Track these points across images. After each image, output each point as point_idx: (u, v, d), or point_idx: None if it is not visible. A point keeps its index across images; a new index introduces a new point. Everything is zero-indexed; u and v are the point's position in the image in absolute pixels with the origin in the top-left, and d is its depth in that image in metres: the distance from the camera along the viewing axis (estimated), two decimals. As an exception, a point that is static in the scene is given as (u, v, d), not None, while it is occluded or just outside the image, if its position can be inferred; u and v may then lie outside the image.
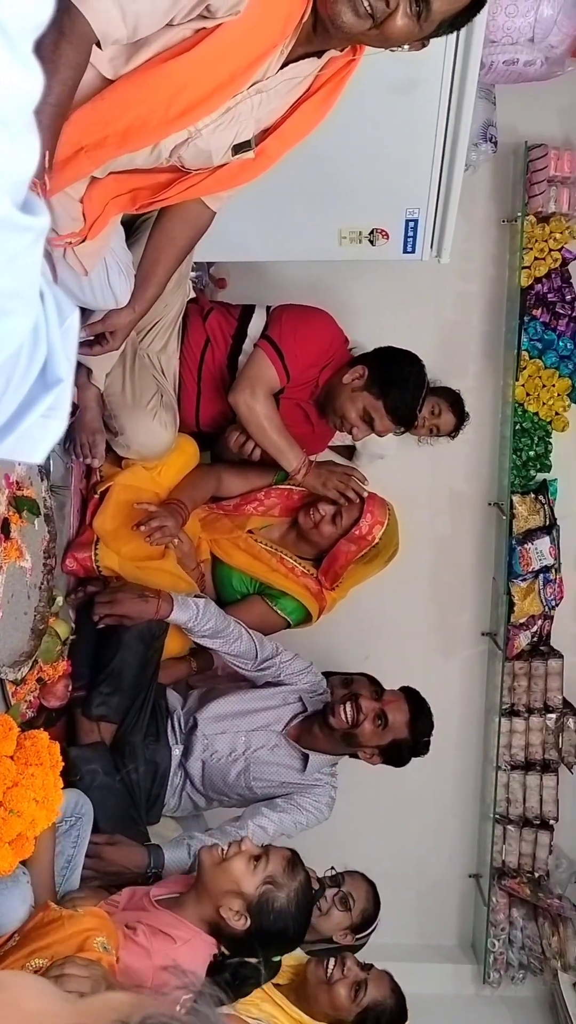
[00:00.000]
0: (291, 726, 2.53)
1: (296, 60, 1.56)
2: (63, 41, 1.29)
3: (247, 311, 2.67)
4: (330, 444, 3.06)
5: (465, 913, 3.61)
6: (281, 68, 1.55)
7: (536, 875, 3.37)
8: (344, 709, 2.40)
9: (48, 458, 2.14)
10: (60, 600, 2.25)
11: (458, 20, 1.50)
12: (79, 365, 2.36)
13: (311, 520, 2.70)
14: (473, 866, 3.55)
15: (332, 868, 2.57)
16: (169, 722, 2.48)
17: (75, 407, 2.40)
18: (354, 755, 2.52)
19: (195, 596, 2.44)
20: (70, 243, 1.76)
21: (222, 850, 1.87)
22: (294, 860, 1.90)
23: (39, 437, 0.87)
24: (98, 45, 1.37)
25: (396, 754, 2.49)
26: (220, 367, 2.63)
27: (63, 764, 1.68)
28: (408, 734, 2.45)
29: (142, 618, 2.31)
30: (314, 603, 2.78)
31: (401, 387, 2.58)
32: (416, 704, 2.49)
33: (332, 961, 2.15)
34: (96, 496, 2.51)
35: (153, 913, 1.87)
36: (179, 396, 2.63)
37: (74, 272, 1.85)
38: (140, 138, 1.56)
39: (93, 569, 2.42)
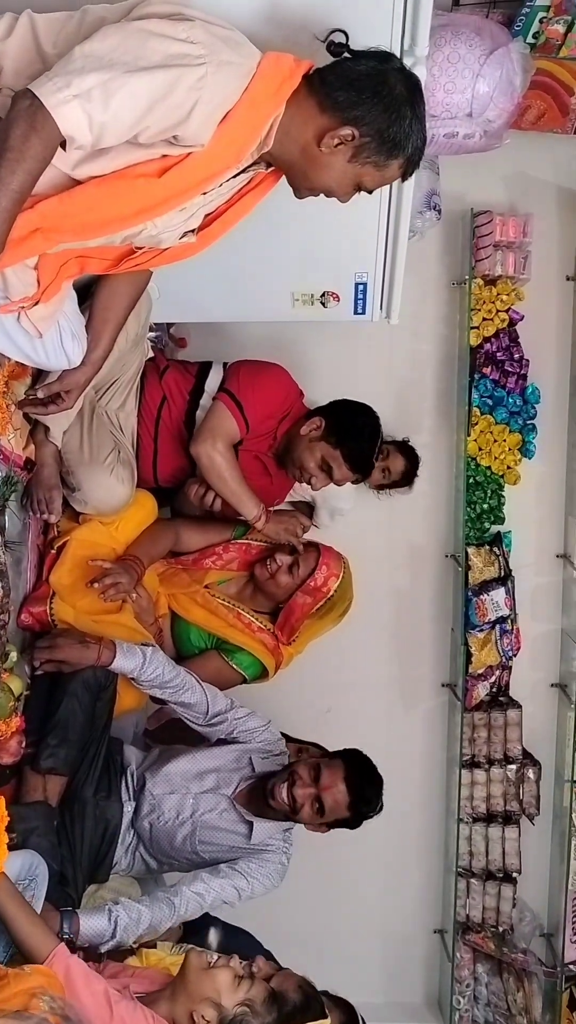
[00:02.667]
0: (240, 791, 2.47)
1: (245, 170, 1.72)
2: (33, 135, 1.43)
3: (204, 368, 2.74)
4: (290, 500, 3.11)
5: (431, 970, 3.58)
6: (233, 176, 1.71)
7: (500, 929, 3.36)
8: (281, 793, 2.35)
9: (3, 514, 2.17)
10: (14, 655, 2.25)
11: None
12: (36, 423, 2.42)
13: (267, 571, 2.74)
14: (438, 921, 3.53)
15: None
16: (123, 778, 2.43)
17: (32, 463, 2.44)
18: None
19: (143, 644, 2.44)
20: (23, 307, 1.83)
21: (211, 957, 1.87)
22: (276, 996, 1.86)
23: None
24: (63, 146, 1.49)
25: (344, 825, 2.43)
26: (177, 423, 2.69)
27: (7, 820, 1.68)
28: (349, 814, 2.39)
29: (81, 664, 2.28)
30: (270, 658, 2.80)
31: (358, 436, 2.65)
32: (357, 780, 2.39)
33: None
34: (53, 551, 2.53)
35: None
36: (137, 452, 2.68)
37: (28, 335, 1.91)
38: (96, 232, 1.69)
39: (48, 623, 2.43)
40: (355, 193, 1.74)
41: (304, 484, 2.77)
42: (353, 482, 2.78)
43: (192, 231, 1.79)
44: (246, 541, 2.83)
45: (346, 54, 1.64)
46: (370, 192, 1.75)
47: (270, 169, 1.77)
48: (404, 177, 1.75)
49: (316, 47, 1.67)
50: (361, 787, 2.40)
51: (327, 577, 2.72)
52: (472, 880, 3.36)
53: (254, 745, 2.54)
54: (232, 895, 2.34)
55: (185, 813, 2.40)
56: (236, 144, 1.62)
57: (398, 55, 1.90)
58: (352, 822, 2.43)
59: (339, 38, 1.64)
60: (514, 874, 3.37)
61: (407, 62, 1.93)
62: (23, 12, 1.63)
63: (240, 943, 2.45)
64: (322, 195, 1.76)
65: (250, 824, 2.41)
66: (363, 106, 1.59)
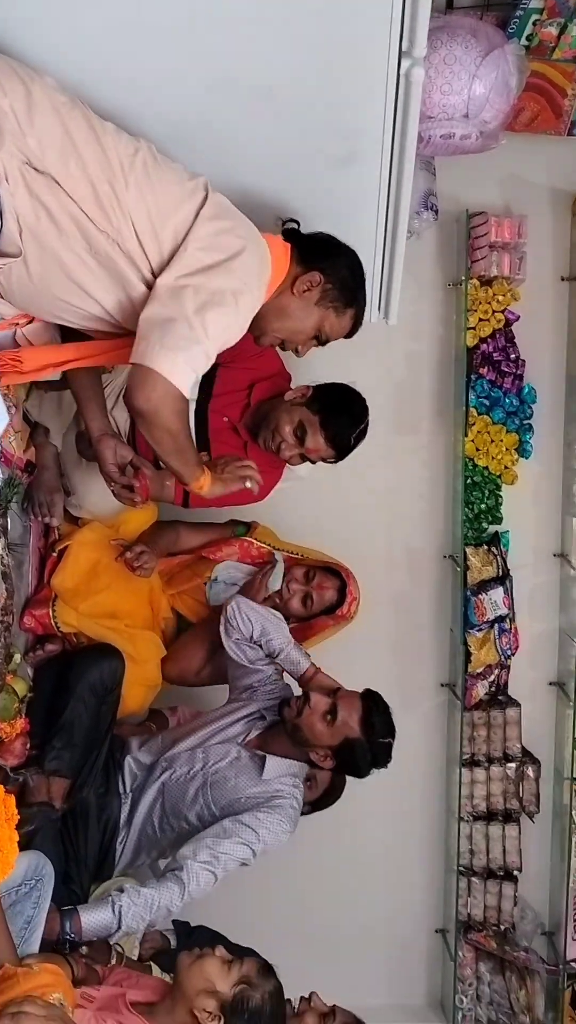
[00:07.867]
0: (251, 737, 2.50)
1: None
2: (181, 415, 1.75)
3: None
4: None
5: (433, 970, 3.58)
6: None
7: (502, 928, 3.37)
8: (296, 699, 2.41)
9: (6, 517, 2.18)
10: (18, 658, 2.26)
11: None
12: (36, 424, 2.42)
13: (277, 600, 2.70)
14: (439, 921, 3.53)
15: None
16: (119, 773, 2.45)
17: (33, 466, 2.45)
18: (312, 764, 2.45)
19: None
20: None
21: (198, 951, 1.87)
22: (268, 967, 1.90)
23: None
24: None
25: (350, 757, 2.37)
26: None
27: (18, 818, 1.68)
28: (361, 733, 2.36)
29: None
30: None
31: (341, 412, 2.57)
32: (372, 702, 2.43)
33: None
34: (54, 555, 2.53)
35: (127, 1017, 1.85)
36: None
37: None
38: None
39: (51, 626, 2.44)
40: (313, 343, 2.06)
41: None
42: (324, 458, 2.60)
43: None
44: (248, 539, 2.83)
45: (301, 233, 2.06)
46: (323, 343, 2.08)
47: None
48: (351, 332, 2.11)
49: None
50: (376, 708, 2.46)
51: (350, 603, 2.74)
52: (473, 879, 3.36)
53: (265, 702, 2.57)
54: (244, 853, 2.26)
55: (196, 766, 2.42)
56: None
57: (397, 56, 1.92)
58: (364, 750, 2.39)
59: (292, 226, 2.09)
60: (515, 872, 3.38)
61: (405, 64, 1.96)
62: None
63: (202, 937, 2.42)
64: (279, 345, 2.06)
65: (262, 759, 2.41)
66: (329, 259, 2.01)
